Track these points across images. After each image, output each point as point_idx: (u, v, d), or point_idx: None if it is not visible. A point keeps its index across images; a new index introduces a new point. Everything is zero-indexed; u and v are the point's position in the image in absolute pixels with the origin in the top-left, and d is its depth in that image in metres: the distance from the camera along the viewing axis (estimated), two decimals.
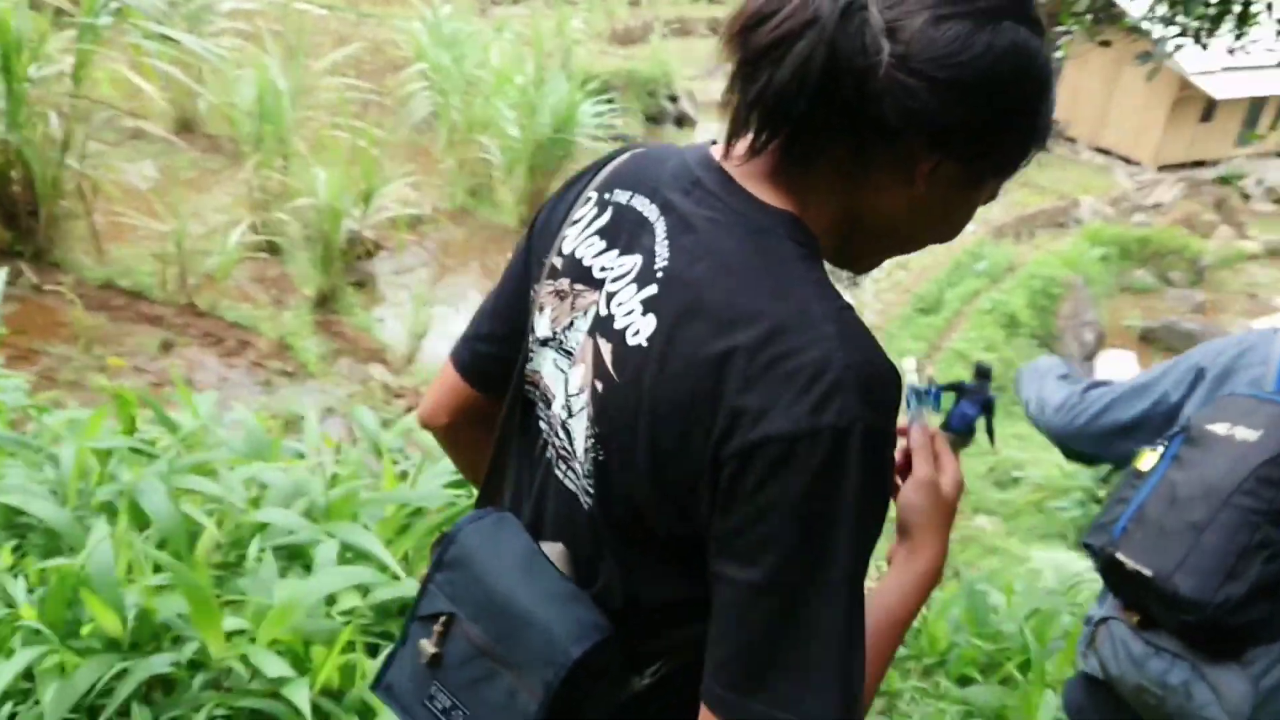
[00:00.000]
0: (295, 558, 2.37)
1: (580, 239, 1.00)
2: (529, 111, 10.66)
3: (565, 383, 0.97)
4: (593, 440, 0.92)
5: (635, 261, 0.93)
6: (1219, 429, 1.45)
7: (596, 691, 0.94)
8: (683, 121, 16.10)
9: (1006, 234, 18.88)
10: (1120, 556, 1.47)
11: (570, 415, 0.96)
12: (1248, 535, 1.35)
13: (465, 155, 11.13)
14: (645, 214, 0.95)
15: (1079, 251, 17.86)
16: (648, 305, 0.89)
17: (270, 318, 7.16)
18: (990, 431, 6.44)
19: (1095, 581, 4.51)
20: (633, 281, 0.92)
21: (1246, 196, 22.87)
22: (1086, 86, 23.12)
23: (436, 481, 2.67)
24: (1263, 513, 1.36)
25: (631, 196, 0.97)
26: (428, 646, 0.97)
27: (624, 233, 0.96)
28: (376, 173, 8.82)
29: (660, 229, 0.92)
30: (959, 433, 7.24)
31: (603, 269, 0.96)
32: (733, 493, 0.82)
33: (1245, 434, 1.41)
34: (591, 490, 0.94)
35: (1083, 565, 6.14)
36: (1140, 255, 19.30)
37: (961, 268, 16.98)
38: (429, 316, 8.31)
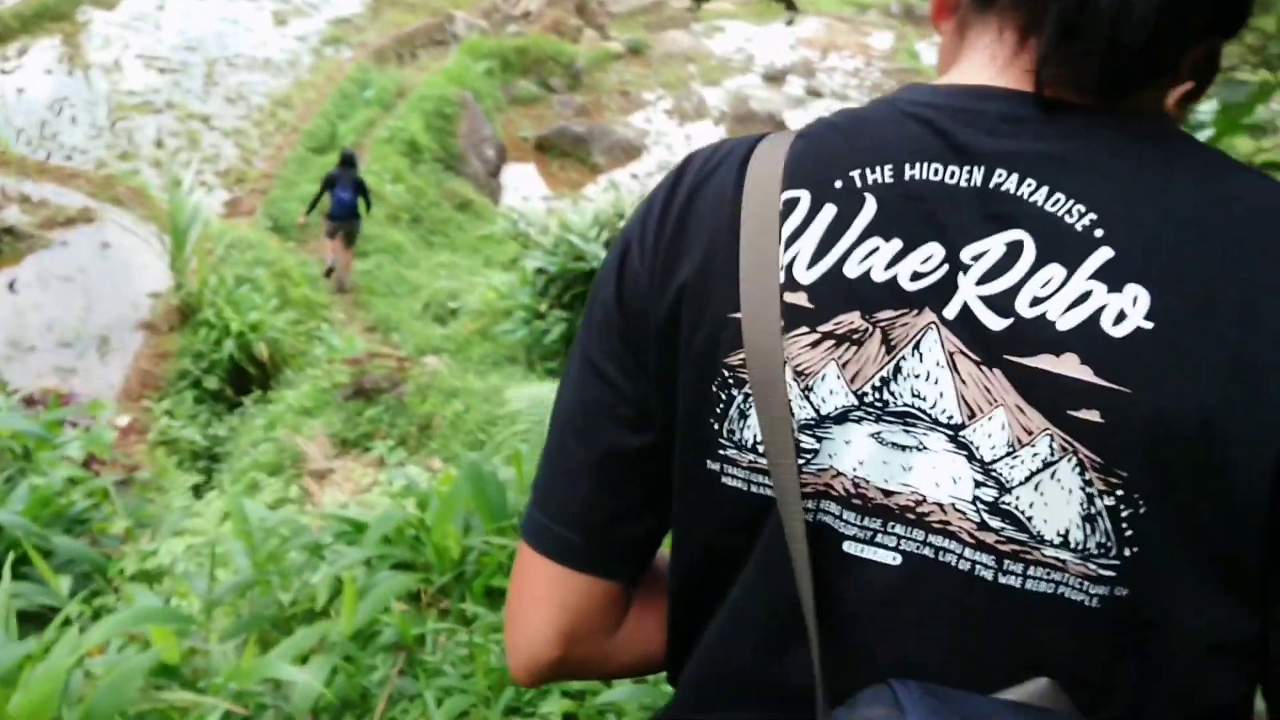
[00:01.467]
0: None
1: (838, 253, 0.66)
2: None
3: (964, 454, 0.63)
4: (1119, 495, 0.60)
5: (1007, 240, 0.63)
6: None
7: None
8: None
9: (388, 57, 17.98)
10: None
11: (1007, 490, 0.62)
12: None
13: None
14: (953, 181, 0.65)
15: (463, 68, 17.51)
16: (1112, 276, 0.60)
17: None
18: (368, 204, 8.90)
19: None
20: (1043, 263, 0.61)
21: (601, 1, 24.00)
22: None
23: None
24: None
25: (901, 169, 0.66)
26: None
27: (927, 218, 0.65)
28: None
29: (1015, 185, 0.63)
30: (343, 219, 8.92)
31: (918, 275, 0.64)
32: None
33: None
34: (1114, 570, 0.61)
35: (548, 389, 5.69)
36: (521, 65, 19.46)
37: (350, 98, 15.90)
38: None
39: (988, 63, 0.68)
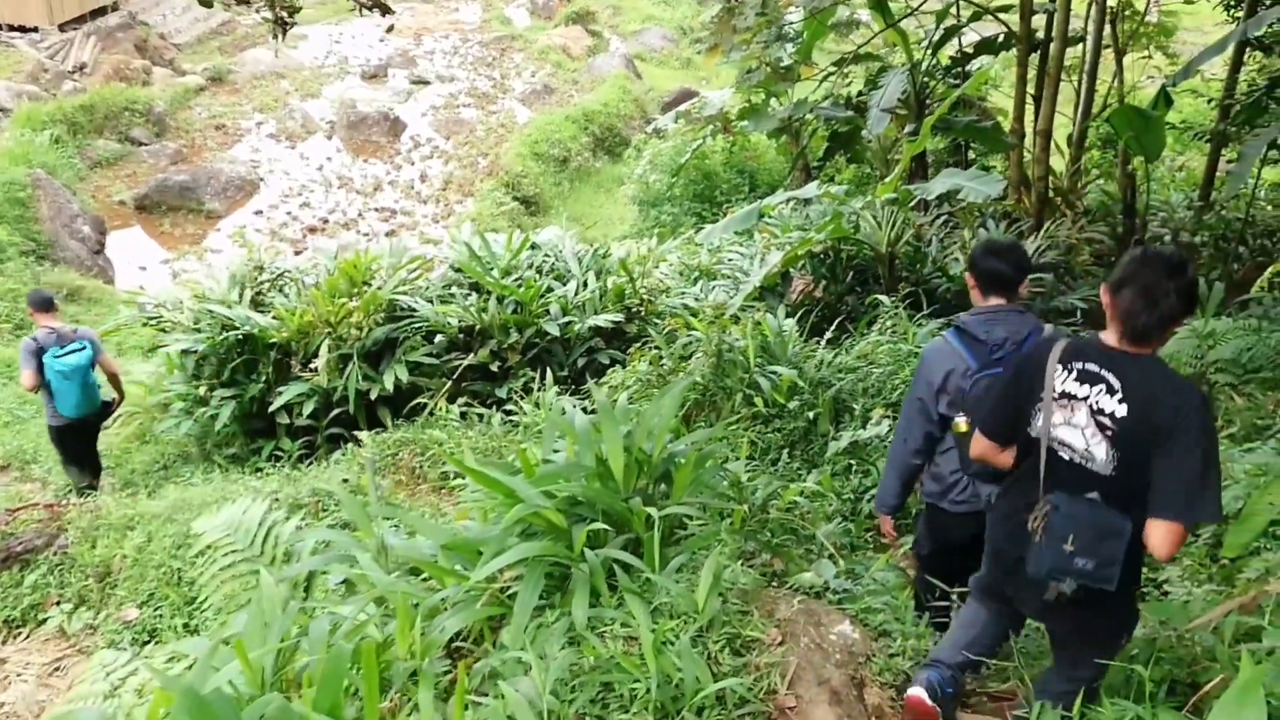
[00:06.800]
0: None
1: (1067, 384, 2.92)
2: None
3: (1082, 434, 2.90)
4: (1114, 451, 2.84)
5: (1103, 387, 2.85)
6: (962, 421, 3.65)
7: (1131, 545, 2.83)
8: None
9: None
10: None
11: (1089, 445, 2.88)
12: None
13: None
14: (1097, 371, 2.87)
15: (24, 144, 15.41)
16: (1121, 399, 2.82)
17: None
18: None
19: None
20: (1108, 394, 2.84)
21: (162, 35, 21.92)
22: None
23: None
24: None
25: (1085, 364, 2.89)
26: (1038, 528, 2.95)
27: (1090, 379, 2.87)
28: None
29: (1109, 375, 2.85)
30: None
31: (1085, 394, 2.88)
32: (1175, 439, 2.78)
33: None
34: (1113, 470, 2.85)
35: (240, 510, 4.84)
36: (93, 124, 17.39)
37: None
38: None
39: (1112, 333, 2.97)
